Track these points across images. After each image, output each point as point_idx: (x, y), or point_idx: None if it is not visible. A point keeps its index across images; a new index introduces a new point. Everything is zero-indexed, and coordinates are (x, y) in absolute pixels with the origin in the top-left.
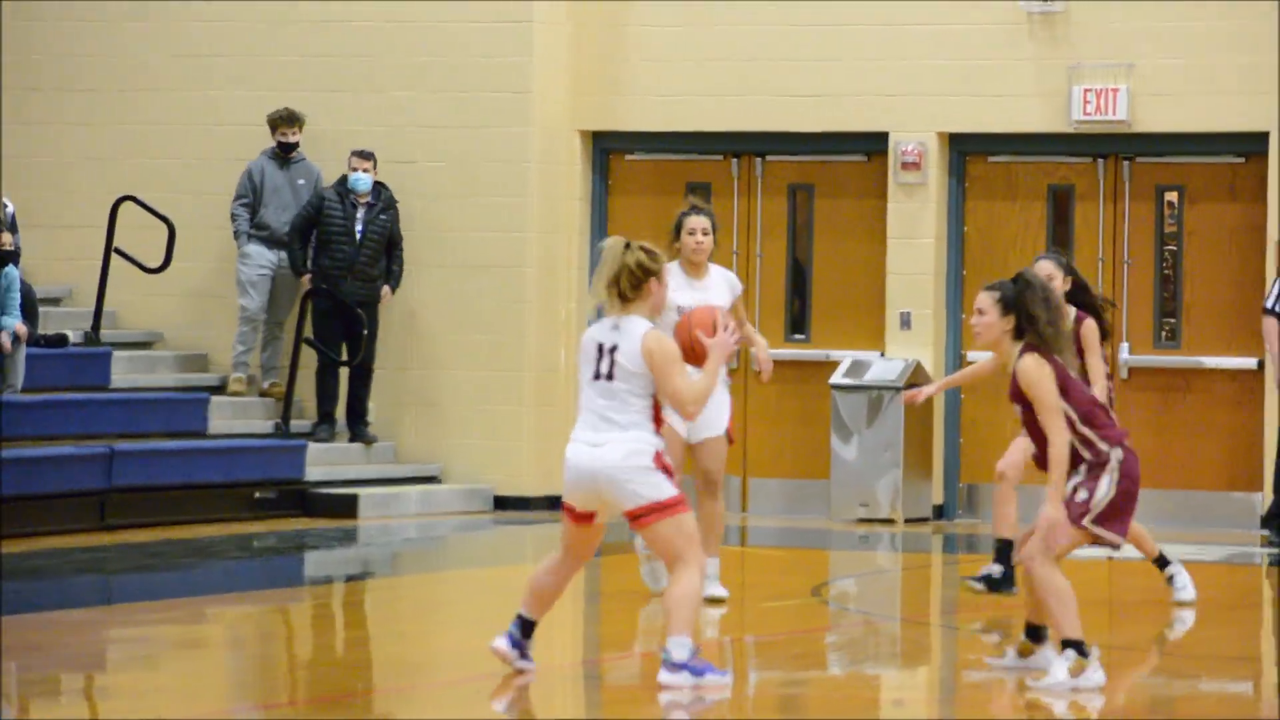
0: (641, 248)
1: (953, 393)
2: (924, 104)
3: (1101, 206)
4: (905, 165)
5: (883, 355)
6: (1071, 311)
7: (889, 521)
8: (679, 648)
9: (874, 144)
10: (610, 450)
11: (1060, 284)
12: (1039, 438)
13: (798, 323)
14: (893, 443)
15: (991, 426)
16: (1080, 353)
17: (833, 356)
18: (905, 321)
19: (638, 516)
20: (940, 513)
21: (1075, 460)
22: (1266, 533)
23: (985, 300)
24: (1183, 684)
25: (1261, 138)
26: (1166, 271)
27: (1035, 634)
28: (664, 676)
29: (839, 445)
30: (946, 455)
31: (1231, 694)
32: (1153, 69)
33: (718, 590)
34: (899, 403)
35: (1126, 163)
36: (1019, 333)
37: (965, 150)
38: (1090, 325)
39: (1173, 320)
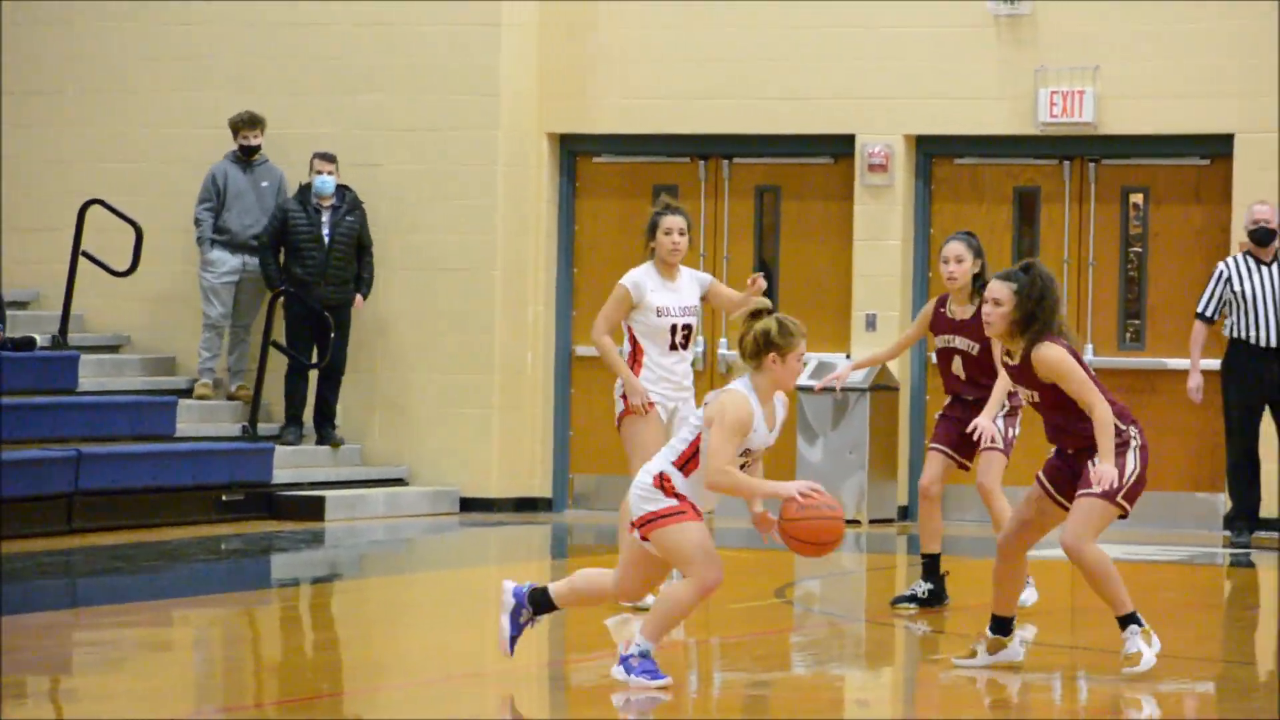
0: (778, 319)
1: (918, 395)
2: (891, 106)
3: (1067, 208)
4: (872, 167)
5: (849, 357)
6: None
7: (854, 523)
8: (634, 645)
9: (841, 146)
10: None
11: (970, 266)
12: (1059, 420)
13: None
14: (858, 444)
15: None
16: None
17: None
18: (871, 323)
19: (638, 526)
20: (905, 514)
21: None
22: (1229, 533)
23: (1002, 291)
24: (1144, 685)
25: (1226, 140)
26: (1131, 273)
27: (1003, 627)
28: (614, 669)
29: (805, 447)
30: (912, 457)
31: (1193, 694)
32: (1119, 71)
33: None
34: (865, 404)
35: (1092, 164)
36: (1027, 323)
37: (932, 152)
38: None
39: (1137, 322)
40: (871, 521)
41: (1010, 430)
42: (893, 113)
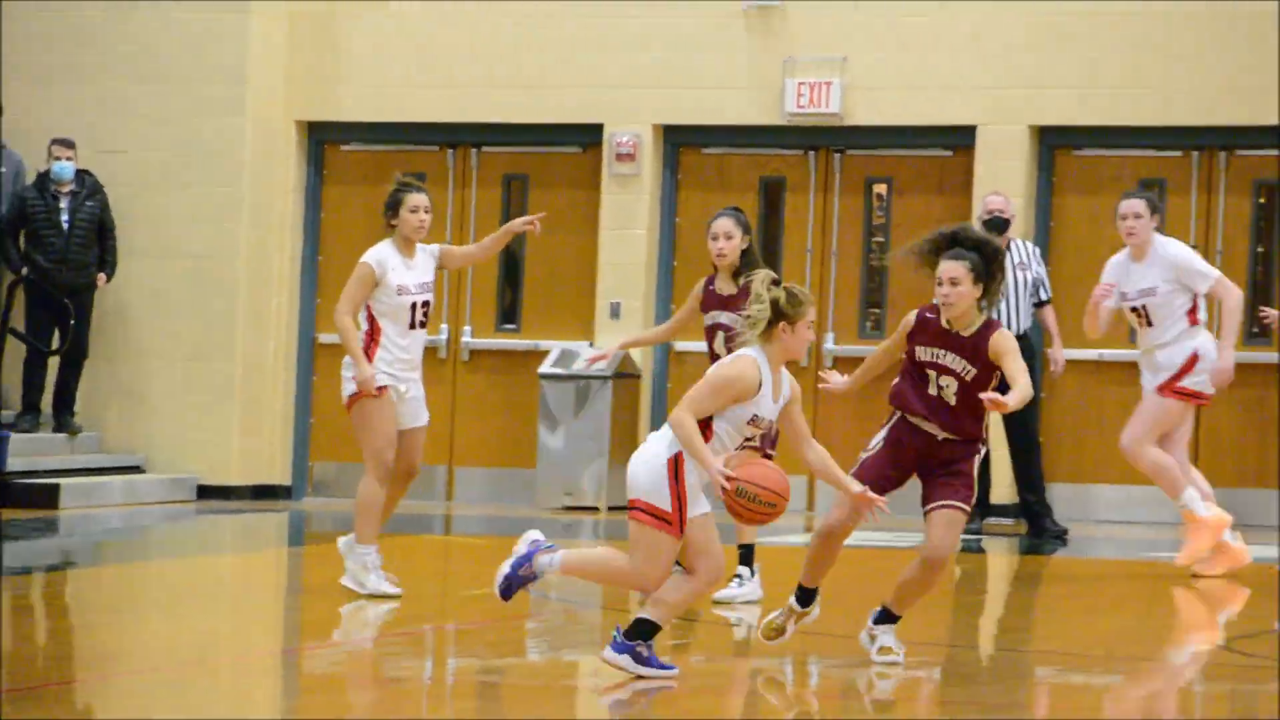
0: (786, 288)
1: (660, 384)
2: (639, 96)
3: (811, 198)
4: (620, 157)
5: (592, 345)
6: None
7: (593, 509)
8: (544, 563)
9: (589, 135)
10: (646, 444)
11: (739, 242)
12: (964, 402)
13: (508, 313)
14: (599, 432)
15: None
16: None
17: (542, 346)
18: (615, 311)
19: (631, 505)
20: None
21: (977, 445)
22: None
23: (958, 270)
24: (873, 668)
25: (969, 131)
26: (873, 262)
27: (807, 598)
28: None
29: (546, 434)
30: None
31: (919, 679)
32: (865, 63)
33: (390, 588)
34: (607, 392)
35: (837, 155)
36: (984, 297)
37: (679, 142)
38: None
39: (878, 310)
40: (610, 508)
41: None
42: (641, 102)
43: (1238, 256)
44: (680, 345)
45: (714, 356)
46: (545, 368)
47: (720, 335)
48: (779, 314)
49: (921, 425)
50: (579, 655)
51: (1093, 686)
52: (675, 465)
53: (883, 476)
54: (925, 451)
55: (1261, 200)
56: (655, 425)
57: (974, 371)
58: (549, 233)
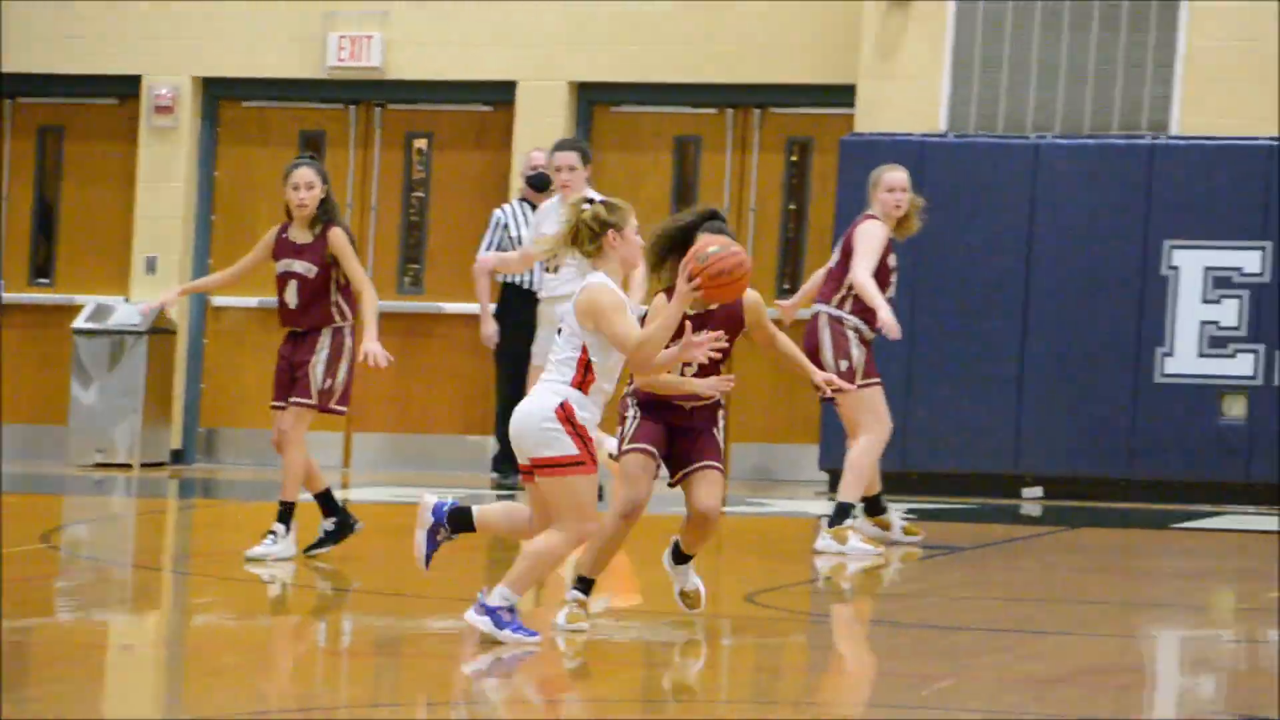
0: (603, 202)
1: (196, 340)
2: (178, 47)
3: (352, 153)
4: (158, 109)
5: (128, 300)
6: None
7: (126, 466)
8: (498, 597)
9: (127, 87)
10: (525, 402)
11: (319, 191)
12: (716, 369)
13: (42, 268)
14: (134, 388)
15: (233, 372)
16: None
17: (76, 301)
18: (151, 266)
19: (536, 465)
20: (179, 457)
21: (720, 404)
22: (497, 475)
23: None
24: (410, 623)
25: (509, 87)
26: (413, 218)
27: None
28: (474, 616)
29: (79, 390)
30: (188, 401)
31: (448, 631)
32: (407, 18)
33: None
34: (142, 347)
35: (378, 109)
36: None
37: (219, 95)
38: (340, 233)
39: (417, 266)
40: (144, 465)
41: (340, 376)
42: (180, 54)
43: (771, 214)
44: (219, 300)
45: (284, 305)
46: (79, 323)
47: (292, 285)
48: (605, 224)
49: (670, 403)
50: (109, 614)
51: (623, 642)
52: (564, 409)
53: (657, 439)
54: (675, 421)
55: (794, 158)
56: (191, 381)
57: (730, 339)
58: (85, 186)
